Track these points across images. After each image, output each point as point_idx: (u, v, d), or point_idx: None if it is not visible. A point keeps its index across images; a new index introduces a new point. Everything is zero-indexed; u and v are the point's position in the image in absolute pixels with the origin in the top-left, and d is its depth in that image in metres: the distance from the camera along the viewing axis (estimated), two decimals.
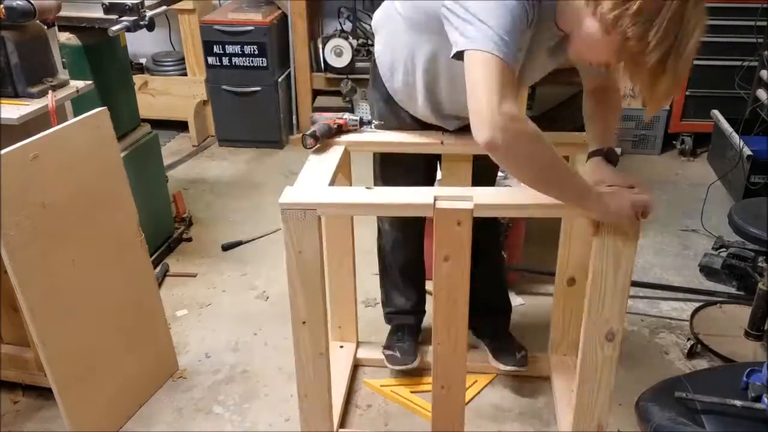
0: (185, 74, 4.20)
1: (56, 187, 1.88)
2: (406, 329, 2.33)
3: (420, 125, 1.97)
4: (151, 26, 2.46)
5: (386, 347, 2.32)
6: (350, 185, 2.07)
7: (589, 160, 1.68)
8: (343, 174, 2.00)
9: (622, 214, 1.50)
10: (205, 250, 3.13)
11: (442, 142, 1.96)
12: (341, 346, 2.39)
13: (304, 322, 1.73)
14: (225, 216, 3.42)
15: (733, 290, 2.75)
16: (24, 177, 1.78)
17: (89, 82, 2.29)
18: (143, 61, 4.26)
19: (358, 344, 2.42)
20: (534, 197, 1.55)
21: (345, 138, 1.96)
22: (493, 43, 1.37)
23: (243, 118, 4.09)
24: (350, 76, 3.99)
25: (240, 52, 3.93)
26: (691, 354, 2.39)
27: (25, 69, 2.11)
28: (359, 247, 2.27)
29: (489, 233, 2.16)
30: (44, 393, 2.17)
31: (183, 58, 4.16)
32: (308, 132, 1.90)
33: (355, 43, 3.99)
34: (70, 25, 2.52)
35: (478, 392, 2.24)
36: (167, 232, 3.11)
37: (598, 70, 1.70)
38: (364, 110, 4.11)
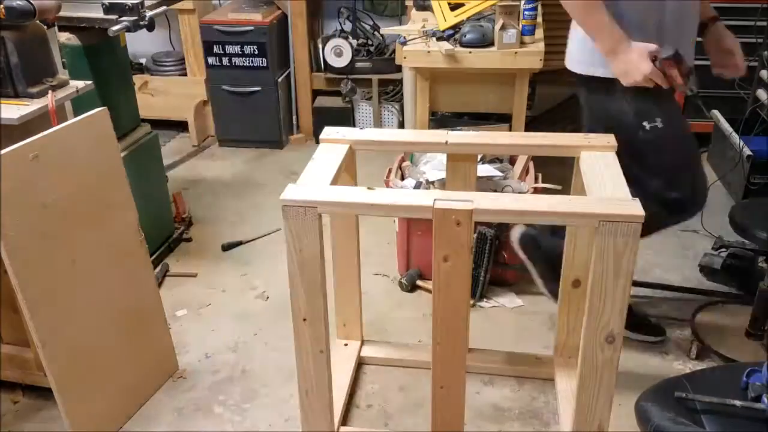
0: (185, 74, 4.19)
1: (56, 187, 1.88)
2: None
3: None
4: (151, 26, 2.46)
5: None
6: (355, 184, 2.06)
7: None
8: (347, 172, 2.00)
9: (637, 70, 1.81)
10: (205, 250, 3.13)
11: (446, 142, 1.95)
12: (345, 344, 2.39)
13: (304, 319, 1.74)
14: (225, 216, 3.42)
15: (733, 290, 2.74)
16: (24, 177, 1.78)
17: (89, 82, 2.29)
18: (143, 61, 4.26)
19: (363, 342, 2.42)
20: (533, 204, 1.54)
21: (349, 136, 1.96)
22: None
23: (243, 118, 4.09)
24: (350, 77, 3.98)
25: (240, 52, 3.93)
26: (691, 354, 2.39)
27: (25, 69, 2.11)
28: (361, 247, 2.26)
29: None
30: (44, 393, 2.17)
31: (183, 58, 4.16)
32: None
33: (355, 43, 3.98)
34: (70, 25, 2.52)
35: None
36: (167, 232, 3.10)
37: None
38: (363, 110, 4.10)
